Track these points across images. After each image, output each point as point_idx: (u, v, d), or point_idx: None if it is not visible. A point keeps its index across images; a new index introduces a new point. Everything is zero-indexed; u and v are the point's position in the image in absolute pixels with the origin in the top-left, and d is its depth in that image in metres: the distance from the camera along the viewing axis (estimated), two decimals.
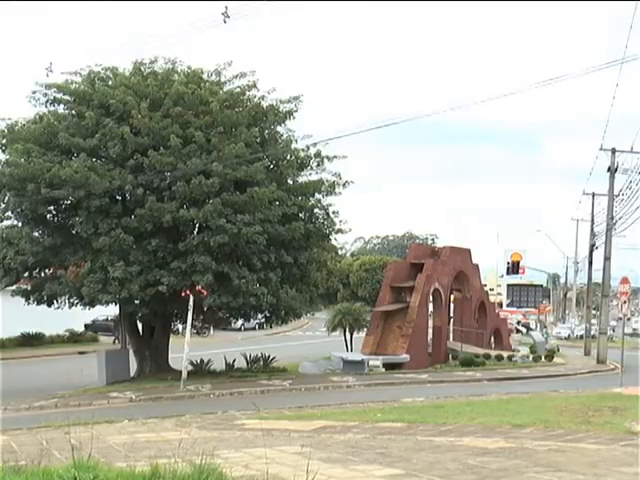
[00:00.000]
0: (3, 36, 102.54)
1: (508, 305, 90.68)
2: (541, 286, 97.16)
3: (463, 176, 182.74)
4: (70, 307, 27.15)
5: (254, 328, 51.83)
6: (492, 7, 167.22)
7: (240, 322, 44.85)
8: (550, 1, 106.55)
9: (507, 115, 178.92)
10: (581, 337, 61.30)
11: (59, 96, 26.07)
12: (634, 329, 76.51)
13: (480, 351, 34.85)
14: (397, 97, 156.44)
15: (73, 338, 43.93)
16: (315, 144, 26.52)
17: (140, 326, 28.36)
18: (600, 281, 39.99)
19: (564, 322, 79.45)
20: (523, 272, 74.15)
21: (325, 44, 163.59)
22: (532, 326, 72.63)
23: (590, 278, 47.05)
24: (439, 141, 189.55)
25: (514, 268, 70.33)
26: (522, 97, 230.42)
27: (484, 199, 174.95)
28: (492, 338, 39.78)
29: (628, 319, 65.79)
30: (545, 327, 65.73)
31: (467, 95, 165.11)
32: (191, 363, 26.75)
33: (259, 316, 29.83)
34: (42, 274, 26.55)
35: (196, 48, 34.75)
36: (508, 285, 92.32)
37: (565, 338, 64.77)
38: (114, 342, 40.48)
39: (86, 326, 46.62)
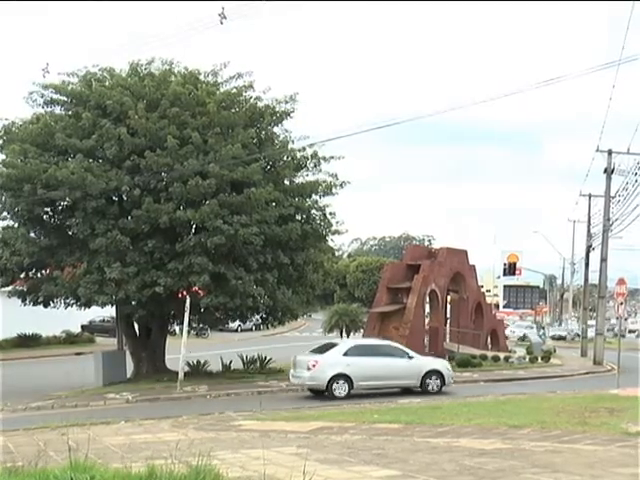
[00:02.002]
0: (1, 36, 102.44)
1: (505, 306, 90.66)
2: (538, 287, 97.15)
3: (462, 176, 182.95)
4: (66, 308, 27.12)
5: (251, 329, 52.02)
6: (492, 7, 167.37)
7: (237, 323, 44.83)
8: (550, 1, 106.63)
9: (507, 115, 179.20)
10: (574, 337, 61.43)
11: (56, 97, 26.05)
12: (630, 330, 76.67)
13: (477, 352, 34.86)
14: (398, 97, 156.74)
15: (70, 339, 43.88)
16: (312, 145, 26.52)
17: (137, 327, 28.31)
18: (597, 282, 40.01)
19: (560, 324, 79.48)
20: (520, 273, 74.19)
21: (325, 44, 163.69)
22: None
23: (587, 279, 47.09)
24: (439, 141, 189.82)
25: (511, 269, 70.42)
26: (522, 97, 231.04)
27: (482, 199, 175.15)
28: (489, 339, 39.81)
29: (625, 319, 65.92)
30: (543, 328, 65.70)
31: (468, 95, 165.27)
32: (188, 364, 26.72)
33: (256, 317, 29.83)
34: (38, 275, 26.51)
35: (195, 48, 34.75)
36: (505, 286, 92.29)
37: (558, 338, 64.62)
38: None
39: (83, 327, 46.59)
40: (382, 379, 22.28)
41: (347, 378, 21.78)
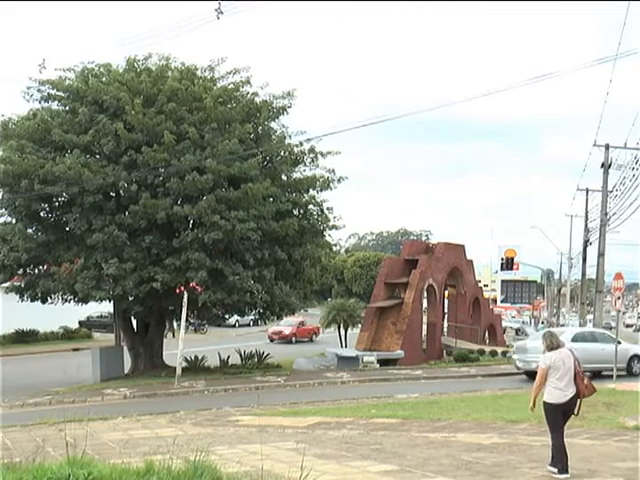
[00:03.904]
0: None
1: (502, 301, 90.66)
2: (535, 282, 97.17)
3: (460, 171, 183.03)
4: (64, 303, 27.10)
5: (248, 324, 52.16)
6: (492, 3, 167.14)
7: (235, 318, 44.85)
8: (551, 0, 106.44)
9: (505, 110, 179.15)
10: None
11: (53, 92, 25.99)
12: (627, 324, 76.76)
13: (474, 347, 34.87)
14: (395, 91, 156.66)
15: (67, 335, 43.80)
16: (309, 140, 26.53)
17: (134, 323, 28.30)
18: (594, 277, 39.99)
19: (559, 318, 79.44)
20: (517, 268, 74.18)
21: (322, 39, 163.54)
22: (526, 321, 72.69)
23: (584, 274, 47.06)
24: (436, 136, 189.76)
25: (508, 264, 70.40)
26: (520, 93, 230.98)
27: (480, 194, 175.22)
28: (486, 334, 39.83)
29: (623, 314, 65.98)
30: (542, 323, 65.65)
31: (464, 90, 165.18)
32: (185, 360, 26.71)
33: (253, 312, 29.82)
34: (36, 271, 26.48)
35: (192, 44, 34.73)
36: (502, 281, 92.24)
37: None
38: None
39: (80, 323, 46.54)
40: (599, 362, 24.45)
41: None
